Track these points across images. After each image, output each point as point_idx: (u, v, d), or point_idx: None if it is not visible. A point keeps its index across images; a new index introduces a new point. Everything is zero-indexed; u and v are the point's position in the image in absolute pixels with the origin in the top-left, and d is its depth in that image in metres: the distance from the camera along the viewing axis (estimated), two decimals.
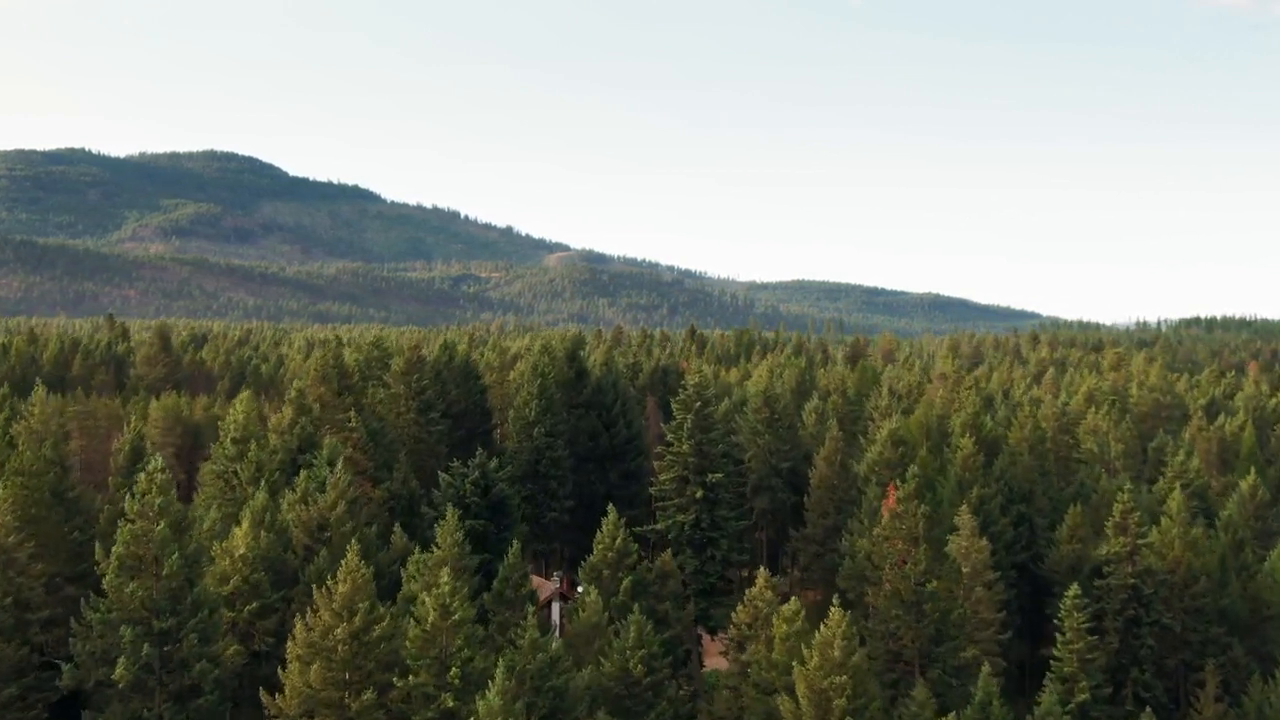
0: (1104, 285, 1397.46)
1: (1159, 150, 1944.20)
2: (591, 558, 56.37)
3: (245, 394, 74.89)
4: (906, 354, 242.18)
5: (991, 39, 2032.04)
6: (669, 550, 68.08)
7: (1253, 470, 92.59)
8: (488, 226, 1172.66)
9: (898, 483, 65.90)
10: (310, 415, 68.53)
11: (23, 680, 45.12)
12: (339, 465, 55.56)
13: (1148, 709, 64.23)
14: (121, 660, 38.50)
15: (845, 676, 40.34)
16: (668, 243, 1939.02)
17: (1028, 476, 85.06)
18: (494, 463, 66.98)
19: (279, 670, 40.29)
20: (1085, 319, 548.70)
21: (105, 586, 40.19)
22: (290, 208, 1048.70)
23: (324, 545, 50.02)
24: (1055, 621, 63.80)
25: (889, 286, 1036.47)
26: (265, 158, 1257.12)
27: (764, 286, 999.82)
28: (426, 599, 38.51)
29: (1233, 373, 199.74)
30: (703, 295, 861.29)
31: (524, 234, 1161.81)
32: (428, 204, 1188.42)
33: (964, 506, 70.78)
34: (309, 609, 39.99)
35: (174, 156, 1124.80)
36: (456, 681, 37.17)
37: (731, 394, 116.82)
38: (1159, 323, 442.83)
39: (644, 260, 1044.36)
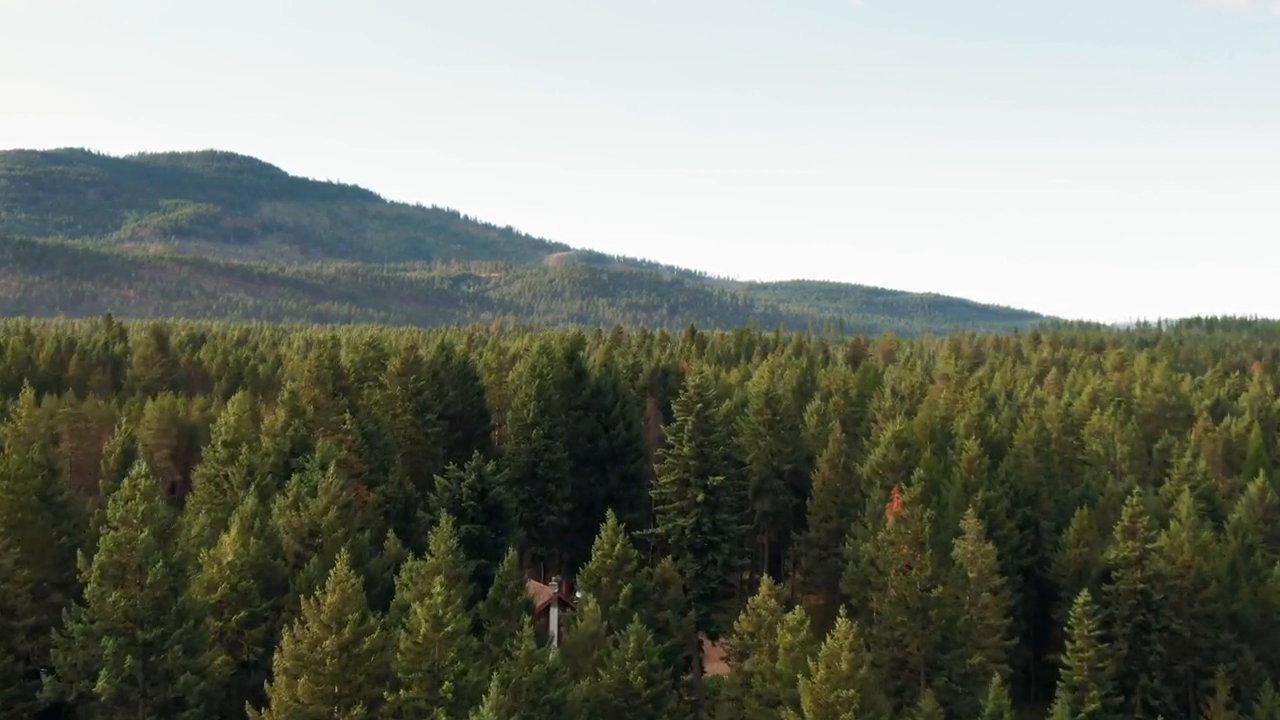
0: (1104, 285, 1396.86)
1: (1159, 150, 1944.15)
2: (590, 565, 55.04)
3: (238, 396, 73.55)
4: (907, 354, 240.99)
5: (991, 39, 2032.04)
6: (669, 556, 66.77)
7: (1261, 473, 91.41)
8: (487, 226, 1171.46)
9: (902, 486, 64.62)
10: (303, 417, 67.23)
11: (7, 689, 43.90)
12: (331, 469, 54.18)
13: (1159, 717, 63.09)
14: (104, 672, 37.23)
15: (853, 690, 39.04)
16: (668, 243, 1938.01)
17: (1033, 479, 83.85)
18: (490, 466, 65.68)
19: (266, 684, 38.99)
20: (1085, 319, 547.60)
21: (87, 596, 38.89)
22: (290, 208, 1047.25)
23: (315, 552, 48.67)
24: (1065, 629, 62.54)
25: (889, 286, 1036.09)
26: (265, 158, 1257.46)
27: (764, 286, 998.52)
28: (418, 610, 37.19)
29: (1237, 373, 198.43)
30: (703, 295, 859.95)
31: (524, 234, 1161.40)
32: (427, 204, 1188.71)
33: (970, 510, 69.60)
34: (296, 620, 38.66)
35: (173, 156, 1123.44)
36: (450, 696, 35.87)
37: (732, 395, 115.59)
38: (1159, 323, 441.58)
39: (644, 260, 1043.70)
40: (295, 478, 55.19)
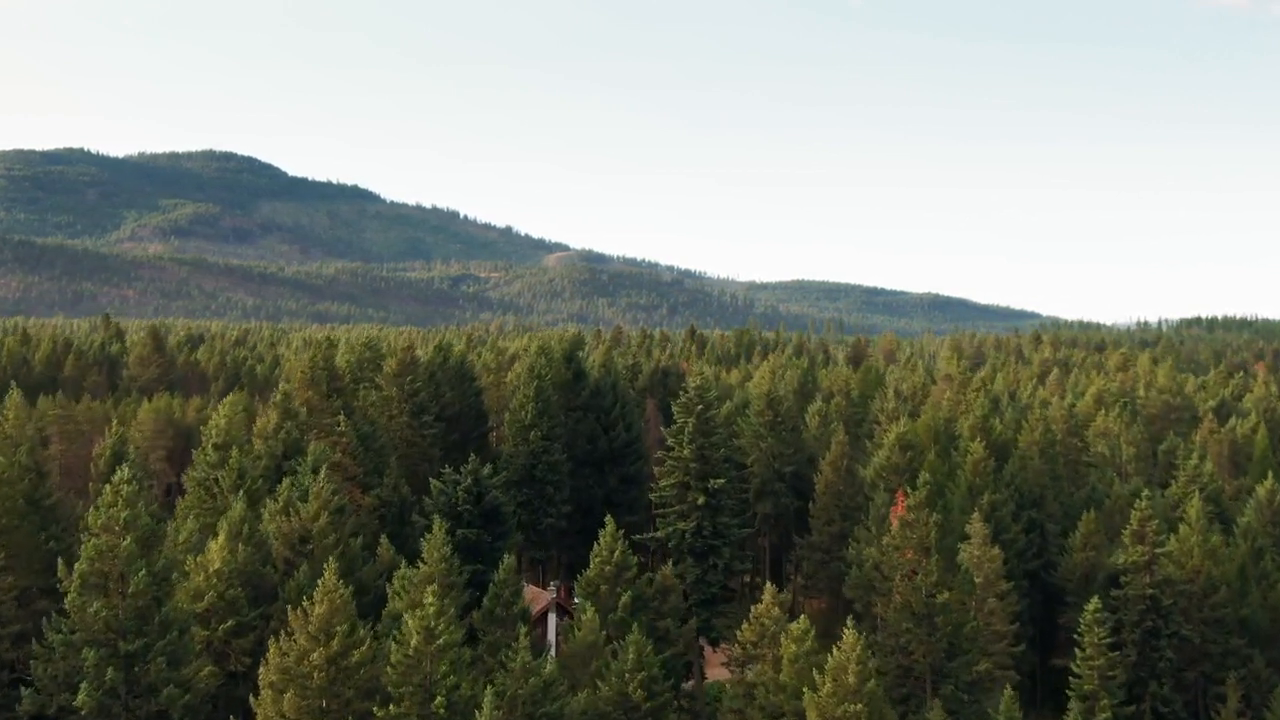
0: (1104, 285, 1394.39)
1: (1159, 150, 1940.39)
2: (588, 571, 53.65)
3: (230, 397, 72.25)
4: (908, 354, 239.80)
5: (991, 39, 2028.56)
6: (670, 562, 65.47)
7: (1270, 475, 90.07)
8: (487, 226, 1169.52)
9: (907, 489, 63.40)
10: (296, 419, 65.91)
11: None
12: (322, 473, 52.80)
13: None
14: (84, 685, 35.92)
15: (861, 704, 37.73)
16: (667, 243, 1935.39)
17: (1038, 481, 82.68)
18: (487, 469, 64.37)
19: (251, 698, 37.70)
20: (1085, 319, 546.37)
21: (67, 606, 37.57)
22: (289, 208, 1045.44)
23: (305, 559, 47.33)
24: (1075, 636, 61.24)
25: (889, 286, 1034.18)
26: (264, 158, 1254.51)
27: (764, 286, 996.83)
28: (410, 621, 35.85)
29: (1240, 374, 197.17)
30: (702, 295, 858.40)
31: (523, 234, 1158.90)
32: (427, 204, 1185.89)
33: (975, 514, 68.41)
34: (283, 631, 37.32)
35: (173, 156, 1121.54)
36: (442, 710, 34.55)
37: (733, 396, 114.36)
38: (1159, 323, 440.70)
39: (643, 260, 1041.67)
40: (286, 482, 53.86)
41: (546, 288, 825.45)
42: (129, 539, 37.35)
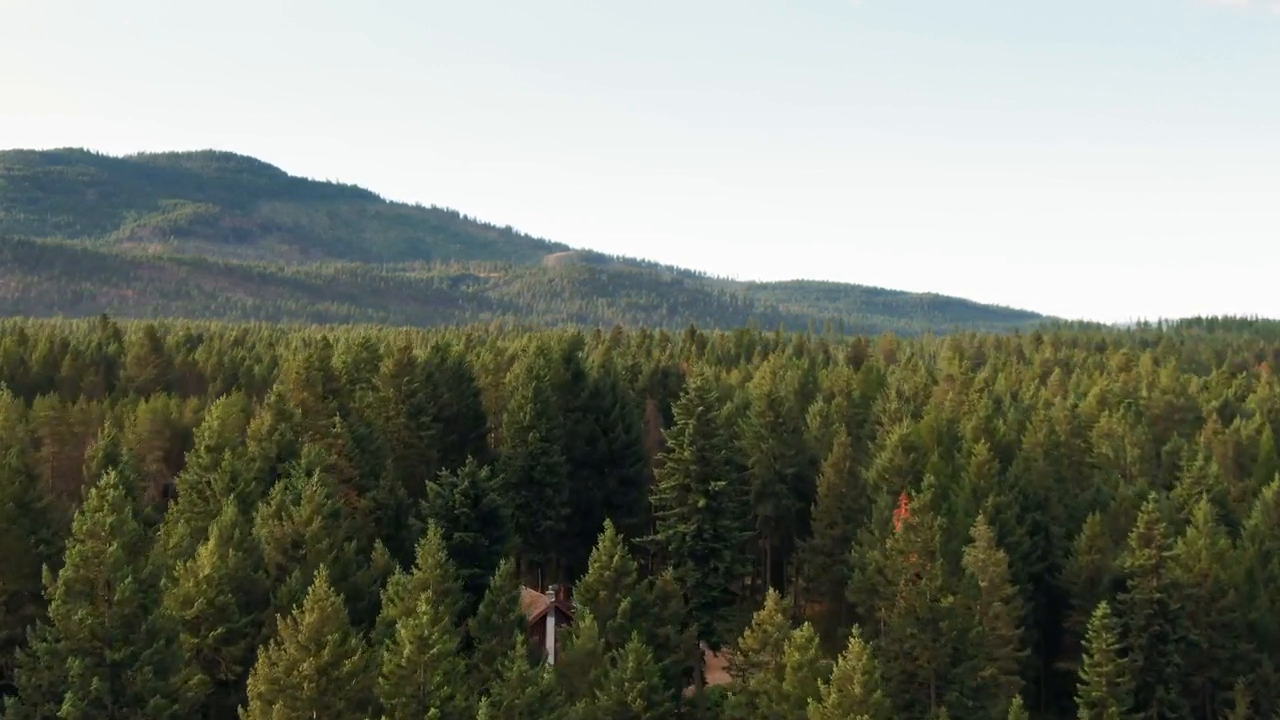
0: (1104, 285, 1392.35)
1: (1159, 150, 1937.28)
2: (587, 577, 52.63)
3: (221, 400, 71.26)
4: (908, 355, 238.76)
5: (991, 39, 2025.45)
6: (670, 567, 64.49)
7: (1276, 476, 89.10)
8: (487, 226, 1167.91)
9: (911, 492, 62.45)
10: (291, 421, 64.90)
11: None
12: (315, 476, 51.77)
13: None
14: (69, 695, 34.90)
15: (866, 716, 36.79)
16: (667, 243, 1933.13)
17: (1043, 483, 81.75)
18: (485, 471, 63.37)
19: (240, 709, 36.73)
20: (1085, 319, 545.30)
21: (51, 614, 36.56)
22: (289, 208, 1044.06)
23: (298, 564, 46.32)
24: (1084, 643, 60.33)
25: (888, 286, 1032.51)
26: (264, 158, 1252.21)
27: (763, 286, 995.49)
28: (403, 630, 34.85)
29: (1243, 374, 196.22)
30: (702, 295, 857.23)
31: (523, 234, 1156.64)
32: (426, 204, 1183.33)
33: (980, 516, 67.48)
34: (272, 640, 36.33)
35: (172, 156, 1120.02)
36: None
37: (733, 396, 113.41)
38: (1160, 323, 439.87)
39: (643, 260, 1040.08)
40: (278, 485, 52.86)
41: (546, 288, 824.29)
42: (115, 545, 36.34)
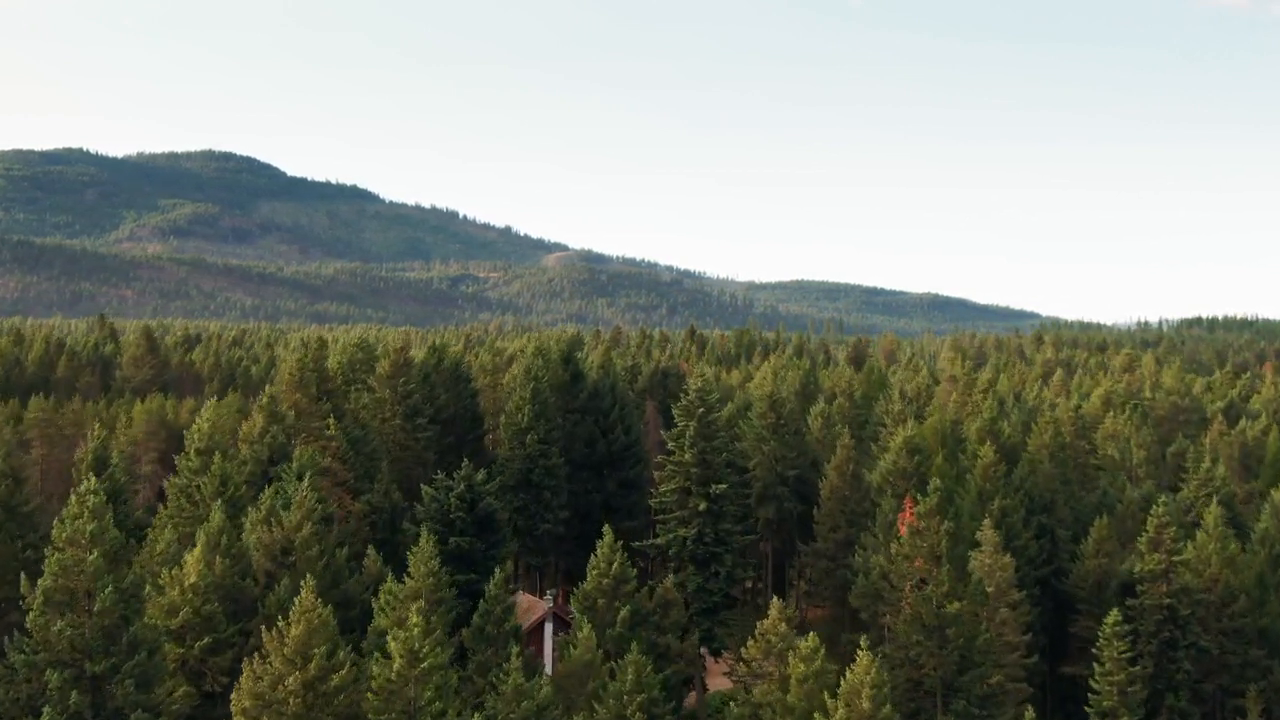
0: (1103, 285, 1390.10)
1: (1159, 150, 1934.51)
2: (585, 585, 51.27)
3: (212, 401, 69.93)
4: (909, 355, 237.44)
5: (991, 39, 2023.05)
6: (670, 575, 63.20)
7: None
8: (486, 226, 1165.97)
9: (917, 496, 61.15)
10: (283, 423, 63.55)
11: None
12: (306, 480, 50.42)
13: None
14: (47, 709, 33.64)
15: None
16: (667, 243, 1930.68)
17: (1049, 485, 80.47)
18: (481, 475, 62.10)
19: None
20: (1085, 319, 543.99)
21: (29, 624, 35.27)
22: (288, 207, 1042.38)
23: (287, 571, 44.99)
24: (1094, 651, 59.12)
25: (888, 286, 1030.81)
26: (263, 157, 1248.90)
27: (763, 286, 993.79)
28: (393, 642, 33.54)
29: (1247, 374, 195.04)
30: (702, 295, 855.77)
31: (522, 234, 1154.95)
32: (426, 204, 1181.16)
33: (986, 520, 66.23)
34: (257, 654, 35.02)
35: (172, 156, 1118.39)
36: None
37: (733, 397, 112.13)
38: (1160, 323, 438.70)
39: (643, 260, 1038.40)
40: (268, 490, 51.51)
41: (546, 288, 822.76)
42: (95, 553, 35.05)
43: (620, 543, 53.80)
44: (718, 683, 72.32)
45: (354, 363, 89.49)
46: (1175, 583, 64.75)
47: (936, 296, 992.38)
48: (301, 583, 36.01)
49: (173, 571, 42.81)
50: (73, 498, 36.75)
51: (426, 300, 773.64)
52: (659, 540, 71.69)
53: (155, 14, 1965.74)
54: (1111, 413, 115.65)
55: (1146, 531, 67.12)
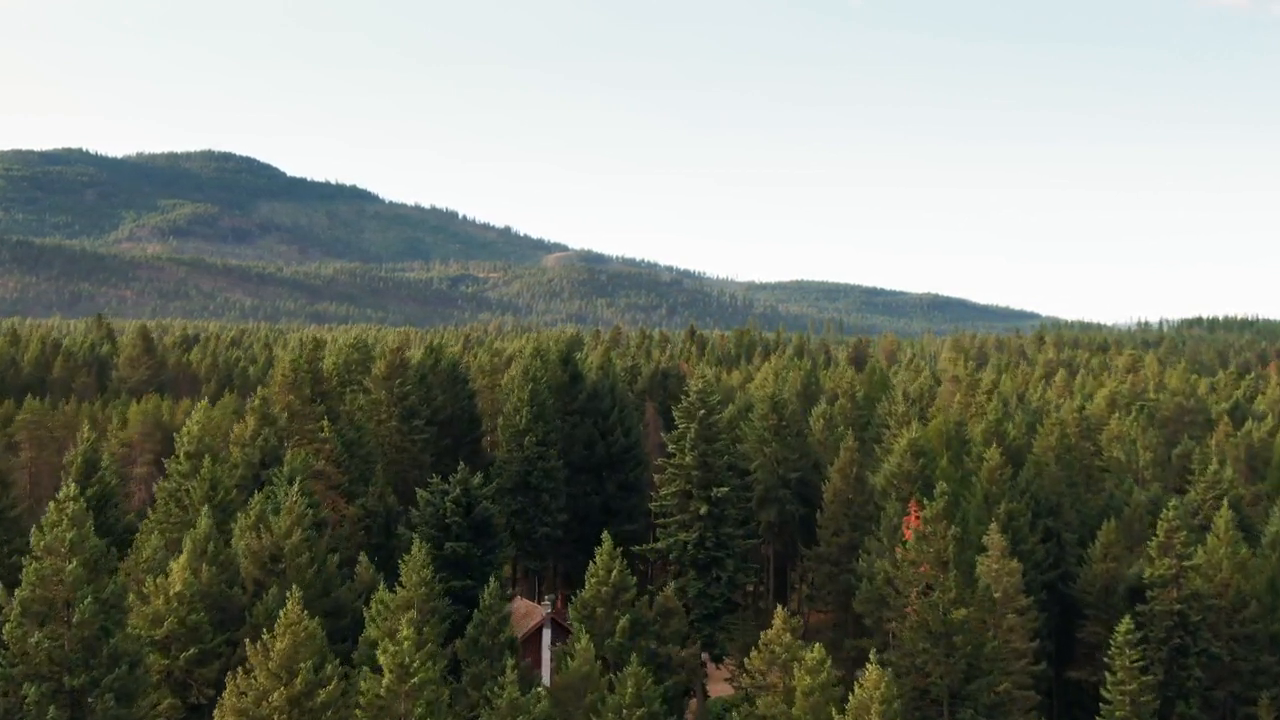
0: (1103, 285, 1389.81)
1: (1158, 150, 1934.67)
2: (583, 593, 49.93)
3: (203, 403, 68.59)
4: (910, 355, 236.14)
5: (991, 39, 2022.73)
6: (671, 583, 61.89)
7: None
8: (486, 226, 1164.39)
9: (924, 500, 59.87)
10: (275, 425, 62.25)
11: None
12: (296, 485, 49.08)
13: None
14: None
15: None
16: (666, 243, 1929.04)
17: (1055, 488, 79.13)
18: (477, 478, 60.79)
19: None
20: (1085, 319, 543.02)
21: (6, 636, 33.94)
22: (288, 208, 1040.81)
23: (276, 579, 43.66)
24: (1097, 653, 57.85)
25: (888, 286, 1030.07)
26: (263, 158, 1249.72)
27: (763, 287, 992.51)
28: (382, 656, 32.25)
29: (1251, 375, 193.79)
30: (701, 295, 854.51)
31: (522, 234, 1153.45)
32: (425, 204, 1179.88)
33: (993, 524, 64.96)
34: (240, 668, 33.72)
35: (171, 156, 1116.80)
36: None
37: (734, 398, 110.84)
38: (1160, 323, 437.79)
39: (642, 260, 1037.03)
40: (258, 495, 50.18)
41: (545, 288, 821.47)
42: (74, 562, 33.72)
43: (620, 548, 52.48)
44: (719, 689, 71.08)
45: (349, 363, 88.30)
46: (1186, 588, 63.50)
47: (936, 297, 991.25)
48: (288, 594, 34.68)
49: (158, 580, 41.49)
50: (51, 505, 35.44)
51: (426, 300, 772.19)
52: (659, 545, 70.45)
53: (155, 14, 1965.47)
54: (1117, 414, 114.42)
55: (1156, 536, 65.87)
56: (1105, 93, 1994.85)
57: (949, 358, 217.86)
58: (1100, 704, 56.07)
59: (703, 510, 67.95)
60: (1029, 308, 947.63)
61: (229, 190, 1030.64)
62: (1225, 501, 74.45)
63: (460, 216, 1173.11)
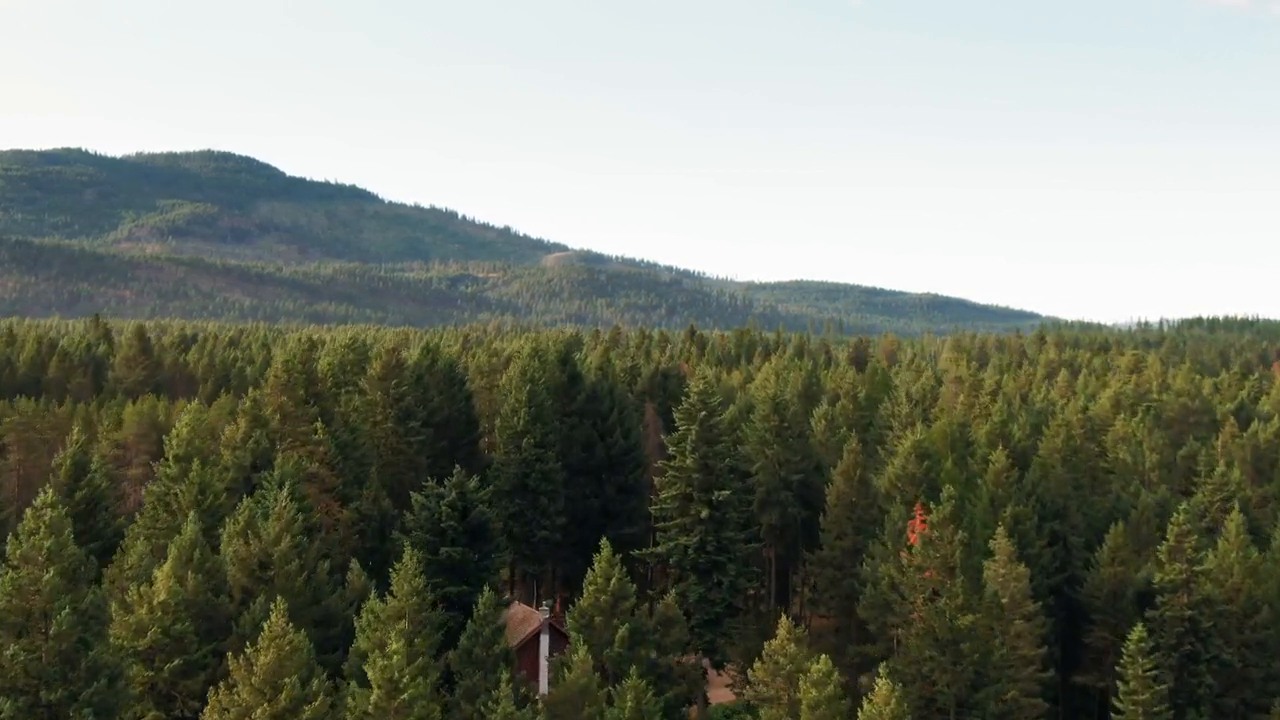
0: (1103, 285, 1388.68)
1: (1158, 150, 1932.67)
2: (581, 601, 48.60)
3: (194, 404, 67.33)
4: (910, 355, 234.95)
5: (991, 39, 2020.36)
6: (672, 591, 60.56)
7: None
8: (485, 226, 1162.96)
9: (929, 504, 58.61)
10: (267, 427, 60.97)
11: None
12: (285, 489, 47.79)
13: None
14: None
15: None
16: (666, 243, 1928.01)
17: (1061, 491, 77.86)
18: (473, 482, 59.52)
19: None
20: (1085, 319, 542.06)
21: None
22: (287, 208, 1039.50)
23: (265, 587, 42.39)
24: (1104, 658, 56.55)
25: (888, 286, 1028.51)
26: (262, 158, 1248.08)
27: (762, 287, 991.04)
28: (371, 671, 31.00)
29: (1255, 375, 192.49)
30: (701, 295, 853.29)
31: (522, 234, 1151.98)
32: (425, 204, 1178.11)
33: (1000, 529, 63.69)
34: (223, 683, 32.47)
35: (171, 156, 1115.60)
36: None
37: (735, 399, 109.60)
38: (1160, 323, 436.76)
39: (642, 260, 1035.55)
40: (246, 501, 48.89)
41: (545, 288, 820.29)
42: (52, 572, 32.48)
43: (619, 554, 51.19)
44: (720, 695, 69.89)
45: (345, 364, 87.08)
46: (1196, 593, 62.25)
47: (936, 297, 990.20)
48: (272, 605, 33.43)
49: (142, 588, 40.20)
50: (29, 512, 34.19)
51: (425, 300, 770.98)
52: (659, 549, 69.20)
53: (155, 14, 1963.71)
54: (1122, 415, 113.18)
55: (1166, 540, 64.61)
56: (1105, 93, 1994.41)
57: (950, 358, 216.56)
58: (1112, 713, 54.73)
59: (704, 514, 66.72)
60: (1029, 308, 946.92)
61: (228, 190, 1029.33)
62: (1236, 505, 73.17)
63: (460, 216, 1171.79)
